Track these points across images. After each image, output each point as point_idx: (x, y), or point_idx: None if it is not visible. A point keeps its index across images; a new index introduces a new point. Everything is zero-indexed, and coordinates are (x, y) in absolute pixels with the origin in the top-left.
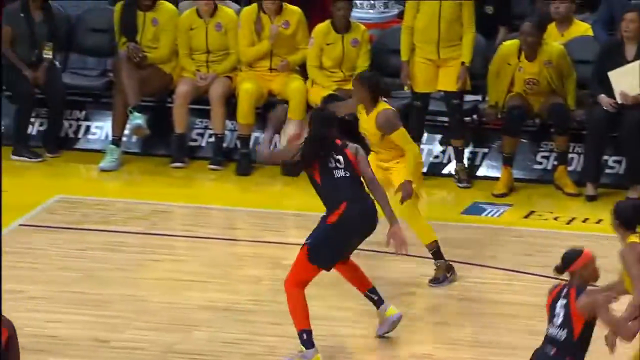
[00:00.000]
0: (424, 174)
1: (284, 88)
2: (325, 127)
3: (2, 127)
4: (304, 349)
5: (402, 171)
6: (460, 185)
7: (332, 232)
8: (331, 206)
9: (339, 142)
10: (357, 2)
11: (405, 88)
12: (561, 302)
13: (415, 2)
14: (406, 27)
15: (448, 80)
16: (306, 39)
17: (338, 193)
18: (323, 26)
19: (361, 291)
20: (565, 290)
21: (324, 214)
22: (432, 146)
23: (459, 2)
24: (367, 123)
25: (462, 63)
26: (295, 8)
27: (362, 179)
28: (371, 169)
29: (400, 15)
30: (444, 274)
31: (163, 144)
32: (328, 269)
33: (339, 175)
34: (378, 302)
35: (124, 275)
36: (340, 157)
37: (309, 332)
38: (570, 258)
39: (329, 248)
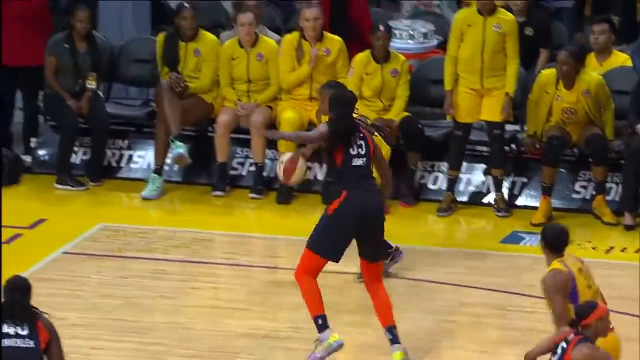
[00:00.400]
0: (464, 203)
1: (324, 117)
2: (346, 107)
3: (47, 156)
4: (319, 335)
5: None
6: (499, 214)
7: (330, 221)
8: (335, 193)
9: (362, 129)
10: (397, 32)
11: (448, 117)
12: (562, 344)
13: (460, 33)
14: (450, 57)
15: (491, 110)
16: (346, 67)
17: (344, 181)
18: (363, 56)
19: (382, 325)
20: (572, 335)
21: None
22: (471, 175)
23: (503, 32)
24: None
25: (507, 94)
26: (337, 37)
27: (373, 168)
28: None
29: (440, 46)
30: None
31: (204, 172)
32: (334, 260)
33: (355, 164)
34: (391, 342)
35: (166, 303)
36: (362, 143)
37: (324, 317)
38: (585, 312)
39: (328, 237)
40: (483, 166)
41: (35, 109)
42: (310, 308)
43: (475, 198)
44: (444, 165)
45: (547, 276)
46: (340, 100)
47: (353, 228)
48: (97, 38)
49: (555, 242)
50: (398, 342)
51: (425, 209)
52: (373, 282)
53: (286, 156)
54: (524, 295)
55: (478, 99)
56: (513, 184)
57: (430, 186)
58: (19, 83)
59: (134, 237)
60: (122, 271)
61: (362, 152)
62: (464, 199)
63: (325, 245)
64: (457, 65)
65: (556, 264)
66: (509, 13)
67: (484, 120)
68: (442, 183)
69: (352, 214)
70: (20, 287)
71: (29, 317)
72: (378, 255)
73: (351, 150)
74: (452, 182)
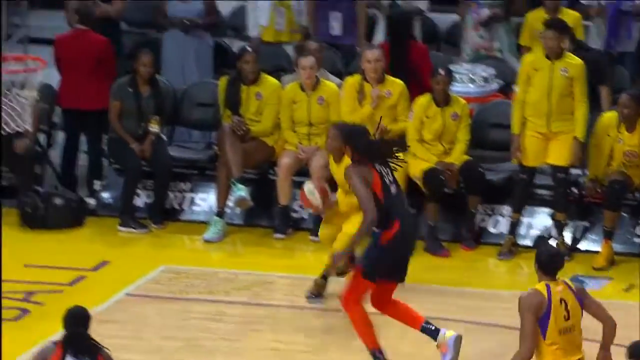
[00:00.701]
0: (525, 246)
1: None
2: (363, 137)
3: (110, 199)
4: None
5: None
6: None
7: (387, 251)
8: (384, 224)
9: None
10: (457, 76)
11: (514, 161)
12: None
13: (527, 76)
14: (518, 101)
15: (557, 154)
16: (407, 110)
17: (392, 211)
18: (423, 99)
19: (416, 328)
20: None
21: (375, 230)
22: (532, 219)
23: (570, 76)
24: (338, 172)
25: (576, 138)
26: (398, 80)
27: None
28: None
29: (501, 90)
30: (319, 292)
31: (265, 215)
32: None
33: (394, 192)
34: (435, 332)
35: (227, 345)
36: (389, 170)
37: (381, 351)
38: None
39: (385, 266)
40: (544, 209)
41: (99, 152)
42: (366, 340)
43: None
44: (505, 209)
45: (523, 294)
46: (354, 132)
47: (406, 253)
48: (160, 82)
49: (546, 264)
50: (439, 329)
51: (485, 252)
52: (390, 300)
53: (310, 186)
54: (587, 340)
55: (544, 142)
56: (575, 228)
57: (491, 230)
58: (84, 126)
59: (196, 279)
60: (184, 313)
61: (392, 179)
62: (525, 242)
63: (382, 274)
64: (525, 108)
65: (539, 286)
66: (576, 57)
67: (549, 164)
68: (502, 226)
69: (407, 241)
70: (79, 317)
71: (91, 349)
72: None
73: (386, 181)
74: (514, 226)
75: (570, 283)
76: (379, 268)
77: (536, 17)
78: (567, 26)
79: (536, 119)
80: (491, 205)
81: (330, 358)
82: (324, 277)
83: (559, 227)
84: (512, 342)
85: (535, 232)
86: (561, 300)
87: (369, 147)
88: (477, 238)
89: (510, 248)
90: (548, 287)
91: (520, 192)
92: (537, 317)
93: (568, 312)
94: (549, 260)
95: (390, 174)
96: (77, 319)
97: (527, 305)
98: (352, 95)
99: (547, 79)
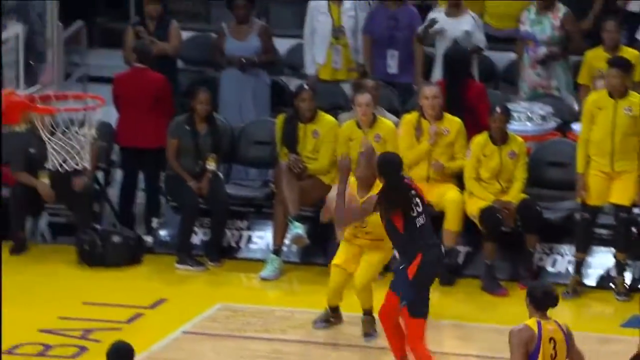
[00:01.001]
0: (590, 287)
1: (441, 199)
2: (397, 172)
3: (167, 237)
4: None
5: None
6: (619, 298)
7: (416, 284)
8: (409, 256)
9: (412, 184)
10: (515, 114)
11: (578, 199)
12: None
13: (591, 115)
14: (582, 140)
15: (620, 193)
16: (464, 149)
17: (416, 242)
18: (480, 138)
19: (396, 355)
20: None
21: (403, 265)
22: (591, 258)
23: (634, 115)
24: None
25: None
26: (456, 118)
27: None
28: None
29: (559, 128)
30: (373, 328)
31: (322, 253)
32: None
33: (420, 224)
34: None
35: None
36: (418, 200)
37: None
38: None
39: (421, 298)
40: (603, 249)
41: (156, 190)
42: None
43: (596, 282)
44: (563, 248)
45: (515, 329)
46: (387, 166)
47: (433, 280)
48: (218, 120)
49: (540, 301)
50: None
51: None
52: (396, 317)
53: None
54: None
55: (608, 181)
56: (635, 267)
57: (549, 269)
58: (142, 164)
59: (253, 317)
60: (241, 351)
61: (421, 210)
62: (593, 284)
63: (424, 307)
64: (589, 147)
65: (530, 322)
66: None
67: (611, 203)
68: (561, 266)
69: (431, 271)
70: (123, 352)
71: None
72: None
73: (412, 213)
74: (579, 265)
75: (561, 324)
76: (423, 303)
77: (595, 56)
78: (630, 64)
79: (599, 158)
80: (549, 244)
81: None
82: (367, 314)
83: (620, 266)
84: None
85: (595, 272)
86: (551, 339)
87: (396, 201)
88: (536, 277)
89: (575, 287)
90: (539, 323)
91: (583, 231)
92: (527, 352)
93: (555, 352)
94: (543, 297)
95: (420, 205)
96: (120, 354)
97: (519, 340)
98: (410, 132)
99: (611, 117)
